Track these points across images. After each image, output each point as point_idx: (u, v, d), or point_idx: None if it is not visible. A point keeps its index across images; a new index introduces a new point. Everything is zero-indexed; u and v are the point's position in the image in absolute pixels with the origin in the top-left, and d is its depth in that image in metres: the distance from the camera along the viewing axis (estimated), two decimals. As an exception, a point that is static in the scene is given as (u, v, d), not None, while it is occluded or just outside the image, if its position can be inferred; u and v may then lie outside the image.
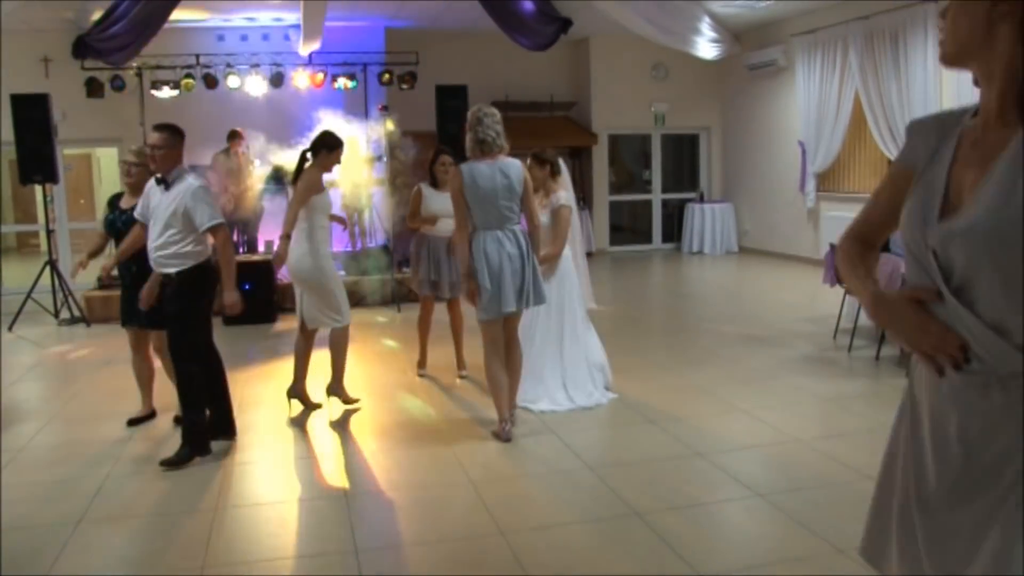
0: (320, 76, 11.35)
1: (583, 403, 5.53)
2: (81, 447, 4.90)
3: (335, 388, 5.75)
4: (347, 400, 5.76)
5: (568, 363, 5.65)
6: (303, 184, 5.41)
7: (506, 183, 4.82)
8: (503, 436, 4.96)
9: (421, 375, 6.50)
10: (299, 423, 5.55)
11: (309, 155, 5.50)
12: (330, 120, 11.61)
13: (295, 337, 5.78)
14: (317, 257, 5.41)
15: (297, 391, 5.75)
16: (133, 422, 5.43)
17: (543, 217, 5.49)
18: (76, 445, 4.89)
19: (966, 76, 6.53)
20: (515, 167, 4.88)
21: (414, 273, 6.52)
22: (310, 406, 5.75)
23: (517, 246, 4.89)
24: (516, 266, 4.86)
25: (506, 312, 4.89)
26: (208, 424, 4.87)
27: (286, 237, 5.37)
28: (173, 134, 4.80)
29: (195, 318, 4.79)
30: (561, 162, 5.78)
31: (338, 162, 5.55)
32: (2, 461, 4.58)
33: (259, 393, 6.21)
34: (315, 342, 5.79)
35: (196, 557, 3.57)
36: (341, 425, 5.43)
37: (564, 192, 5.68)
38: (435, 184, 6.44)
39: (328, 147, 5.49)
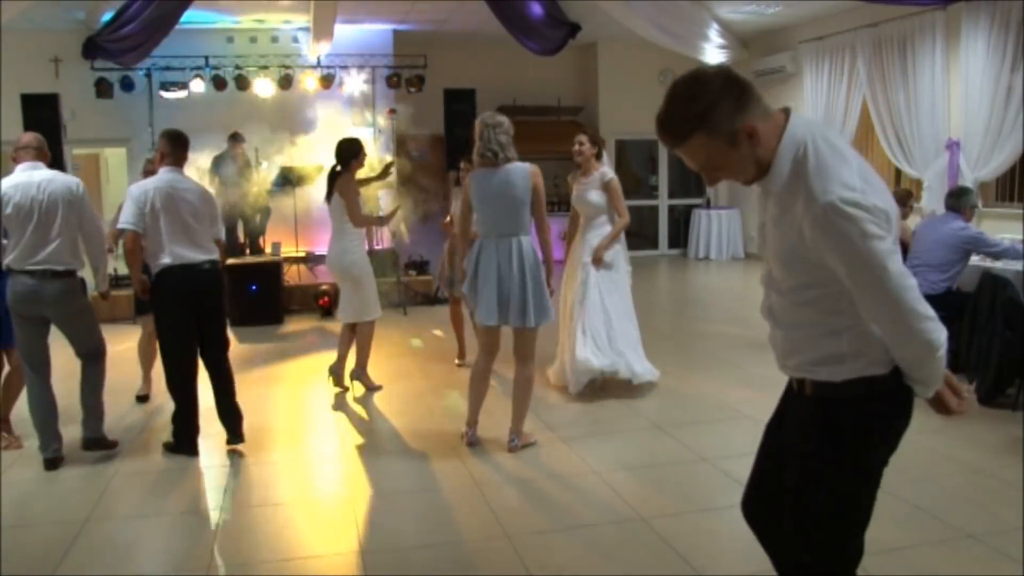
0: (329, 78, 11.38)
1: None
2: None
3: (359, 374, 6.26)
4: (369, 385, 6.25)
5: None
6: (350, 190, 5.89)
7: (511, 192, 4.63)
8: (467, 440, 4.95)
9: (464, 365, 6.77)
10: (305, 424, 5.57)
11: (339, 168, 5.96)
12: (336, 123, 11.69)
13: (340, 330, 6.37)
14: (353, 254, 5.96)
15: (335, 370, 6.31)
16: (140, 399, 5.89)
17: (594, 195, 5.81)
18: (81, 444, 4.91)
19: (975, 85, 6.58)
20: (521, 174, 4.65)
21: (442, 272, 7.00)
22: (342, 386, 6.27)
23: (510, 259, 4.65)
24: (505, 279, 4.65)
25: (483, 324, 4.75)
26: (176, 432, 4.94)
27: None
28: (162, 139, 4.96)
29: (158, 323, 4.91)
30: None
31: (362, 165, 6.07)
32: (3, 461, 4.60)
33: (265, 394, 6.23)
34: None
35: (202, 557, 3.59)
36: (347, 427, 5.45)
37: (607, 168, 5.93)
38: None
39: (354, 155, 5.97)
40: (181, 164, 4.90)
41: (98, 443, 4.83)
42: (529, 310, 4.64)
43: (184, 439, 4.90)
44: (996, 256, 6.10)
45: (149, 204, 4.69)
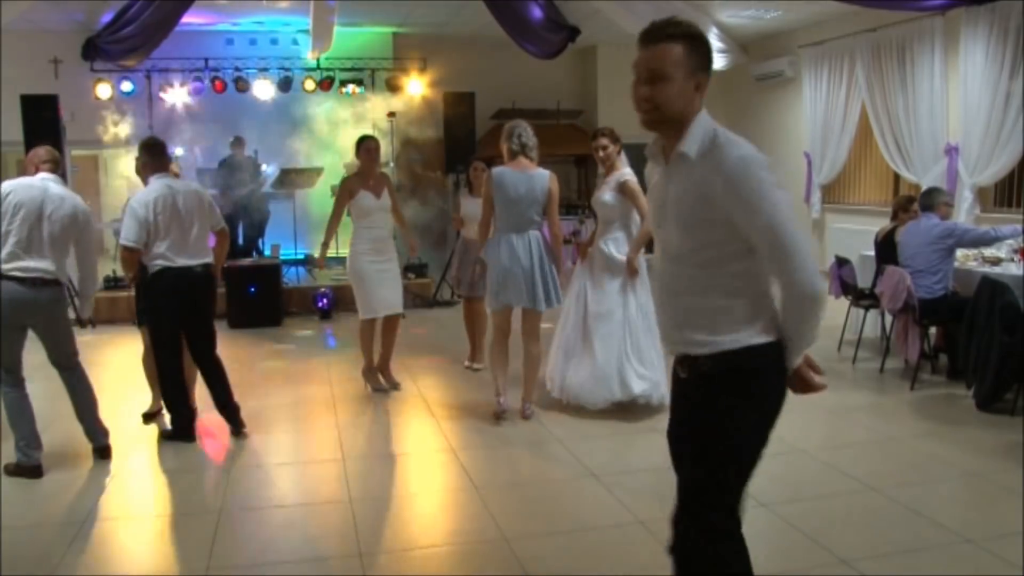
0: (328, 81, 11.40)
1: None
2: (86, 448, 4.91)
3: (363, 371, 6.30)
4: (374, 385, 6.25)
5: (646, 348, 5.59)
6: (341, 189, 6.15)
7: (530, 191, 5.16)
8: (498, 411, 5.37)
9: (474, 368, 6.81)
10: (304, 427, 5.57)
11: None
12: (336, 125, 11.69)
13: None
14: (353, 254, 6.07)
15: (365, 372, 6.35)
16: (147, 418, 5.59)
17: (607, 196, 5.59)
18: (81, 446, 4.91)
19: (973, 90, 6.59)
20: (542, 177, 5.22)
21: (456, 274, 7.15)
22: (375, 386, 6.28)
23: (529, 250, 5.22)
24: (525, 267, 5.20)
25: (509, 303, 5.26)
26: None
27: (324, 245, 6.24)
28: (141, 149, 5.16)
29: (150, 319, 5.22)
30: None
31: (369, 156, 6.05)
32: (3, 462, 4.60)
33: (264, 396, 6.22)
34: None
35: (200, 559, 3.58)
36: (346, 430, 5.44)
37: (627, 170, 5.60)
38: (471, 190, 6.94)
39: (357, 146, 6.13)
40: (166, 169, 5.11)
41: (108, 448, 4.91)
42: (551, 294, 5.31)
43: (180, 425, 5.12)
44: (975, 242, 6.17)
45: (153, 215, 4.88)
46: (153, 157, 5.08)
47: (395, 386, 6.30)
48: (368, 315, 6.11)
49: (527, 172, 5.18)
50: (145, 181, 5.10)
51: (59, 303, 4.69)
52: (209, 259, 5.15)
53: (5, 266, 4.42)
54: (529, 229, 5.25)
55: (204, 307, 5.21)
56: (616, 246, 5.60)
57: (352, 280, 6.14)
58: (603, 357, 5.48)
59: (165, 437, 5.15)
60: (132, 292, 5.84)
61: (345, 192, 6.04)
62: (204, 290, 5.16)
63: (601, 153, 5.59)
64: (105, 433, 4.90)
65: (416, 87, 11.70)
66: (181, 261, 4.96)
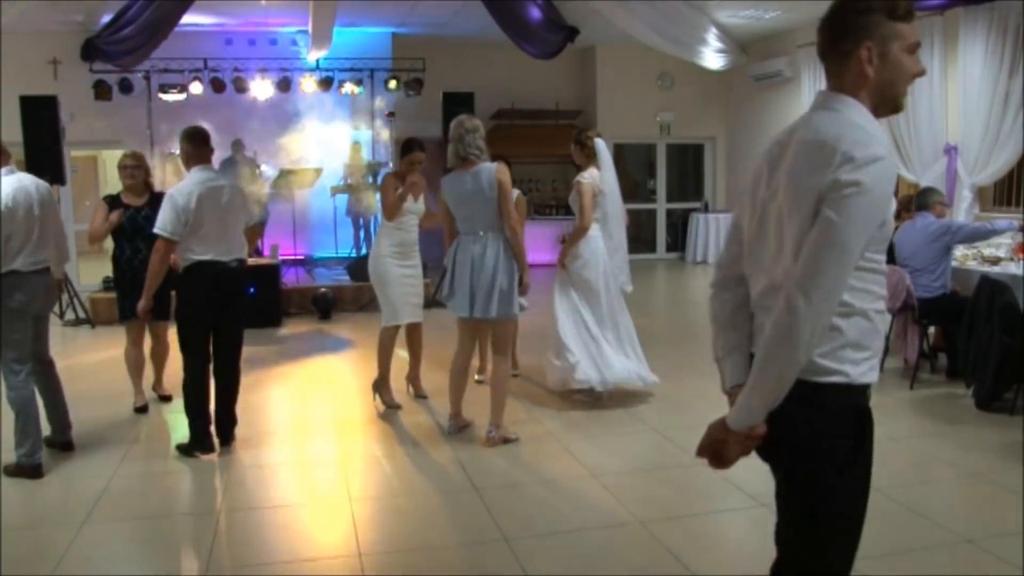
0: (327, 81, 11.40)
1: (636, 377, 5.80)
2: (85, 449, 4.91)
3: (376, 384, 5.87)
4: (387, 402, 5.83)
5: (625, 338, 5.90)
6: (385, 186, 5.76)
7: (477, 189, 4.85)
8: (449, 430, 5.21)
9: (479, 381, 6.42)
10: (304, 427, 5.57)
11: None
12: (335, 126, 11.68)
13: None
14: (374, 259, 5.74)
15: (377, 385, 5.90)
16: (138, 411, 5.74)
17: (572, 196, 5.80)
18: (80, 447, 4.91)
19: (972, 90, 6.59)
20: (486, 171, 4.86)
21: None
22: (388, 402, 5.85)
23: (484, 253, 4.84)
24: (477, 271, 4.83)
25: (461, 315, 4.96)
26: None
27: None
28: (183, 138, 4.95)
29: (180, 316, 4.87)
30: (599, 142, 5.80)
31: (413, 165, 5.72)
32: (3, 463, 4.59)
33: (264, 397, 6.22)
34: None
35: (200, 560, 3.58)
36: (346, 430, 5.44)
37: (587, 172, 5.71)
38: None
39: (402, 152, 5.84)
40: (208, 160, 4.93)
41: (70, 442, 4.95)
42: (493, 301, 4.81)
43: (198, 436, 4.86)
44: (972, 237, 6.20)
45: (194, 207, 4.66)
46: (195, 147, 4.85)
47: (423, 397, 6.06)
48: (392, 321, 5.75)
49: (471, 170, 4.86)
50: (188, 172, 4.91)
51: (53, 290, 4.81)
52: (243, 255, 4.99)
53: (20, 262, 4.47)
54: (487, 231, 4.86)
55: (235, 304, 4.94)
56: (585, 242, 5.77)
57: (375, 283, 5.77)
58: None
59: (181, 451, 4.89)
60: (116, 291, 5.80)
61: (390, 186, 5.71)
62: (237, 286, 4.97)
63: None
64: (69, 427, 4.92)
65: (415, 87, 11.69)
66: (215, 255, 4.77)
